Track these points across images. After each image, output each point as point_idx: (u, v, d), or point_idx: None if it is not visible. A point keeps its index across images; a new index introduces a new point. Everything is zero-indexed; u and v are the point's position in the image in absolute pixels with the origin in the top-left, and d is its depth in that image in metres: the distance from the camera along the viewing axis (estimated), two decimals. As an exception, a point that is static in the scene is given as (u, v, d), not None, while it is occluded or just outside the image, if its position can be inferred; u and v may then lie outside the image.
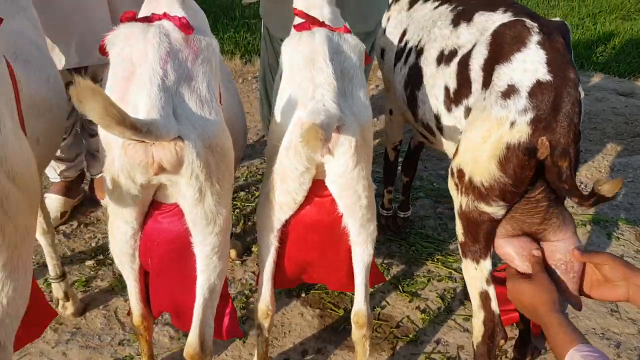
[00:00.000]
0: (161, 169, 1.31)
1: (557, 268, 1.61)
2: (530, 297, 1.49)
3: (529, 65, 1.52)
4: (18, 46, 1.65)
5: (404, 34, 2.14)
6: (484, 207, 1.62)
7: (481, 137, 1.58)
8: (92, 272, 2.45)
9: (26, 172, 1.22)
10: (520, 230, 1.66)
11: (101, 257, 2.54)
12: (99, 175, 2.87)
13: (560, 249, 1.61)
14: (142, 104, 1.28)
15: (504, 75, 1.57)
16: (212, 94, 1.40)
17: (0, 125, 1.14)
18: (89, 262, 2.50)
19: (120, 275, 2.02)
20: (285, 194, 1.56)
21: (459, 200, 1.69)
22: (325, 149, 1.44)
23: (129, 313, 1.71)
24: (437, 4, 2.05)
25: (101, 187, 2.84)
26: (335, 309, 2.29)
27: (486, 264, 1.72)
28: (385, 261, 2.55)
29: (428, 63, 1.93)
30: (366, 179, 1.54)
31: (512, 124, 1.51)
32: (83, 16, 2.41)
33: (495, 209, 1.61)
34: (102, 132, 1.40)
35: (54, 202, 2.76)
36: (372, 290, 2.36)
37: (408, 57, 2.05)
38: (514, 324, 2.06)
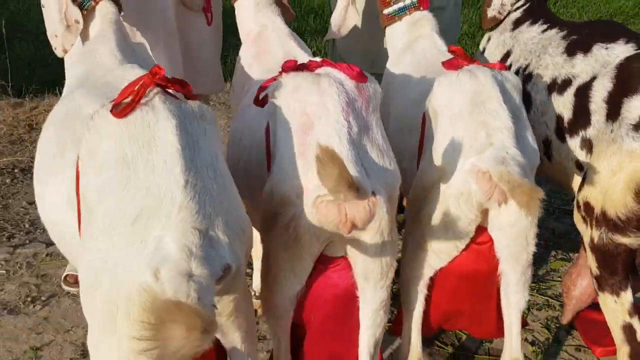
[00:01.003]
0: (353, 227, 1.24)
1: None
2: None
3: None
4: None
5: (507, 55, 2.11)
6: (621, 239, 1.59)
7: (610, 170, 1.57)
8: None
9: None
10: None
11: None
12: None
13: None
14: None
15: (634, 108, 1.55)
16: (388, 143, 1.34)
17: None
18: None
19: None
20: (446, 242, 1.50)
21: (590, 233, 1.66)
22: (501, 197, 1.39)
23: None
24: (545, 27, 2.03)
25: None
26: (443, 346, 2.23)
27: (627, 296, 1.68)
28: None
29: (539, 90, 1.91)
30: (536, 225, 1.50)
31: None
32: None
33: (633, 240, 1.59)
34: (280, 181, 1.31)
35: None
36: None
37: None
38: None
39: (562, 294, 2.13)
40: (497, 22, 2.21)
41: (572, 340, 2.25)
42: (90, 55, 1.60)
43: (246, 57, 1.91)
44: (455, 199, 1.44)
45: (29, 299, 2.44)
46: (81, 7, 1.73)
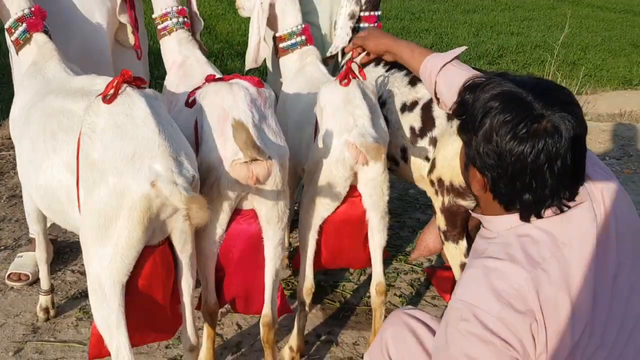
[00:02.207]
0: (257, 181, 1.86)
1: None
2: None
3: None
4: None
5: None
6: (461, 202, 2.27)
7: (454, 152, 2.18)
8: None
9: None
10: None
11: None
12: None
13: None
14: None
15: None
16: (280, 129, 1.99)
17: None
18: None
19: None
20: (331, 196, 2.15)
21: (441, 199, 2.29)
22: (364, 160, 2.07)
23: (199, 307, 2.19)
24: (388, 67, 2.66)
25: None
26: (332, 302, 2.86)
27: (463, 243, 2.34)
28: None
29: (392, 112, 2.57)
30: (388, 181, 2.19)
31: None
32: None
33: (469, 202, 2.26)
34: (206, 155, 1.92)
35: (33, 258, 2.91)
36: (357, 286, 2.97)
37: None
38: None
39: (415, 250, 2.80)
40: (332, 60, 2.90)
41: (429, 293, 2.96)
42: (39, 73, 2.17)
43: (173, 80, 2.49)
44: (335, 164, 2.10)
45: (-22, 295, 2.83)
46: (18, 38, 2.27)
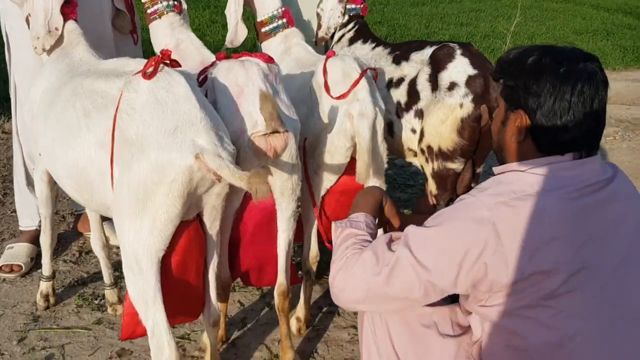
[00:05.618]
0: (275, 154, 1.94)
1: None
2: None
3: None
4: None
5: None
6: (450, 165, 2.40)
7: (440, 120, 2.33)
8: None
9: None
10: None
11: (117, 273, 2.95)
12: (83, 211, 3.26)
13: None
14: (255, 111, 1.91)
15: (445, 77, 2.35)
16: (291, 103, 2.07)
17: None
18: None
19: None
20: (334, 167, 2.24)
21: (431, 165, 2.41)
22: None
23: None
24: (373, 45, 2.79)
25: (85, 222, 3.22)
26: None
27: None
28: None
29: (380, 89, 2.71)
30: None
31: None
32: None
33: (457, 165, 2.39)
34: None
35: (25, 249, 2.99)
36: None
37: None
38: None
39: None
40: (325, 40, 3.02)
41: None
42: (66, 57, 2.18)
43: (168, 64, 2.54)
44: (337, 135, 2.18)
45: (-27, 288, 2.80)
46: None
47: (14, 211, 3.30)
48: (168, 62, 1.81)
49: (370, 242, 1.65)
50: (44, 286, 2.65)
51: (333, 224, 1.75)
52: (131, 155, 1.69)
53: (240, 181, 1.60)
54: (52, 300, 2.68)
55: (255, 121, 1.89)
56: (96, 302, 2.75)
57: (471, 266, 1.46)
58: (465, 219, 1.49)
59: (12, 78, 2.87)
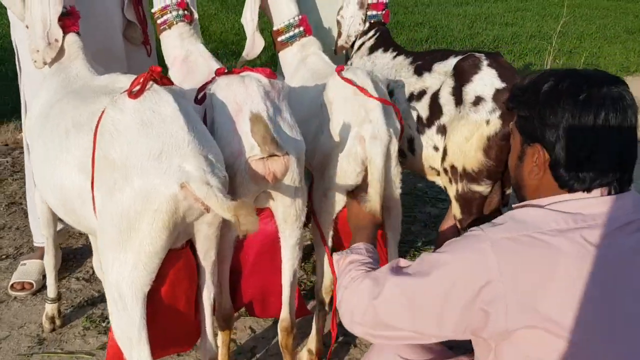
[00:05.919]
0: (274, 178, 1.77)
1: None
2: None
3: None
4: None
5: None
6: (476, 187, 2.18)
7: (464, 138, 2.13)
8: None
9: None
10: None
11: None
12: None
13: None
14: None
15: (470, 91, 2.14)
16: (295, 121, 1.89)
17: None
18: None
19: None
20: (343, 192, 2.05)
21: (455, 187, 2.21)
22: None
23: (213, 312, 2.08)
24: (394, 54, 2.59)
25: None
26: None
27: None
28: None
29: (400, 103, 2.50)
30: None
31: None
32: None
33: (484, 188, 2.17)
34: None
35: (37, 266, 2.89)
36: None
37: None
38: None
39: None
40: (345, 49, 2.83)
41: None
42: (63, 72, 2.06)
43: (176, 76, 2.39)
44: (346, 159, 1.99)
45: (-19, 306, 2.73)
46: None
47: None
48: (158, 79, 1.66)
49: (373, 264, 1.64)
50: (49, 308, 2.55)
51: (334, 255, 1.72)
52: (114, 181, 1.55)
53: (228, 212, 1.44)
54: (58, 322, 2.58)
55: (252, 143, 1.73)
56: (103, 324, 2.63)
57: (460, 305, 1.33)
58: (464, 250, 1.37)
59: (23, 92, 2.79)
